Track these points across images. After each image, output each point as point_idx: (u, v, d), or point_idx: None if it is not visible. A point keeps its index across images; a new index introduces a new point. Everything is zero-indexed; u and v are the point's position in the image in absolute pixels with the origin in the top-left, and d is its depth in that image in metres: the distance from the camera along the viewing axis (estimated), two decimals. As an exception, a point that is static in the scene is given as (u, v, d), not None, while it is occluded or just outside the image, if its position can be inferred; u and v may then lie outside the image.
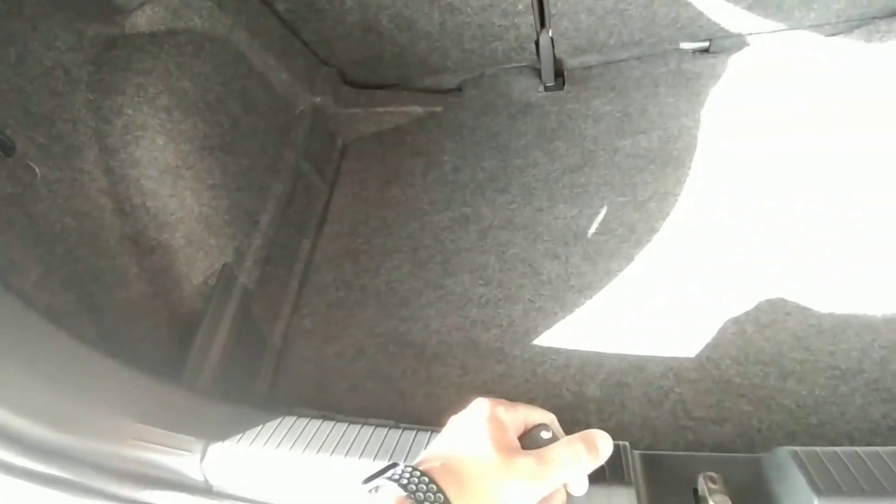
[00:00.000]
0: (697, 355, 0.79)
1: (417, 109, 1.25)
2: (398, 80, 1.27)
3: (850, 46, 1.02)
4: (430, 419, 0.57)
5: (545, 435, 0.43)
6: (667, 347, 0.81)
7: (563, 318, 0.89)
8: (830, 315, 0.77)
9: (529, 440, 0.42)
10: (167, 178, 0.80)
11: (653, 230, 0.93)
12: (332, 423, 0.63)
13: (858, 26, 1.03)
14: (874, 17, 1.02)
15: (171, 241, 0.81)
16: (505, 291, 0.95)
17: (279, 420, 0.64)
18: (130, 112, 0.79)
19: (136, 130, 0.79)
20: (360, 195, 1.18)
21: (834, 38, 1.04)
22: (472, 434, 0.40)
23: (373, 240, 1.09)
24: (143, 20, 0.83)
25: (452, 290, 0.98)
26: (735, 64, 1.09)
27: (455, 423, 0.43)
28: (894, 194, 0.84)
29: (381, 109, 1.24)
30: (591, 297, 0.90)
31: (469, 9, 1.05)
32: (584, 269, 0.93)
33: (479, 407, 0.42)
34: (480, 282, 0.97)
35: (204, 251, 0.84)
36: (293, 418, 0.64)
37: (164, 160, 0.80)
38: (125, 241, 0.79)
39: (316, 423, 0.63)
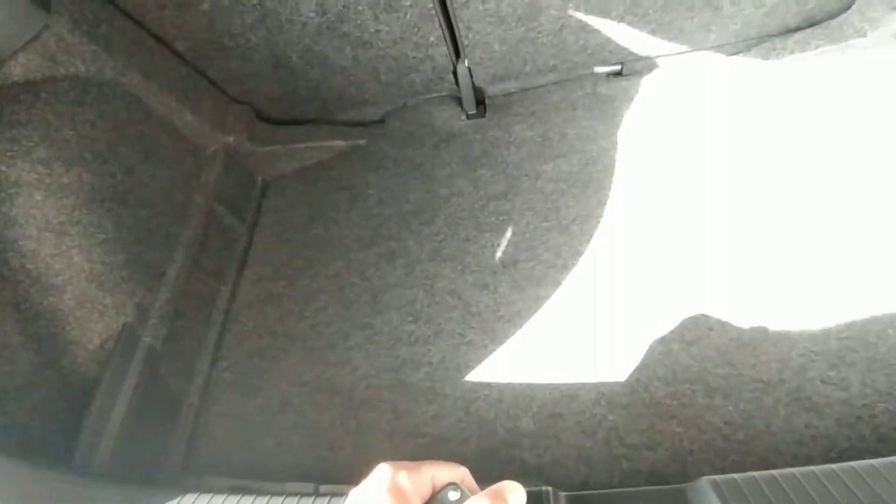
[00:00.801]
0: (627, 378, 0.79)
1: (340, 143, 1.21)
2: (317, 114, 1.23)
3: (749, 64, 1.07)
4: (359, 471, 0.53)
5: (453, 496, 0.39)
6: (597, 373, 0.80)
7: (494, 350, 0.87)
8: (750, 328, 0.78)
9: None
10: (49, 237, 0.73)
11: (578, 253, 0.93)
12: (238, 497, 0.57)
13: (756, 44, 1.08)
14: (769, 35, 1.07)
15: (58, 305, 0.74)
16: (434, 327, 0.92)
17: (180, 498, 0.58)
18: (3, 168, 0.72)
19: (9, 187, 0.71)
20: (283, 235, 1.13)
21: (734, 56, 1.09)
22: (371, 509, 0.36)
23: (296, 281, 1.04)
24: (17, 69, 0.76)
25: (380, 330, 0.94)
26: (647, 85, 1.12)
27: (354, 497, 0.39)
28: (802, 207, 0.87)
29: (301, 145, 1.20)
30: (520, 326, 0.88)
31: (380, 42, 1.03)
32: (512, 297, 0.91)
33: (379, 476, 0.39)
34: (409, 318, 0.94)
35: (98, 312, 0.77)
36: (195, 495, 0.58)
37: (43, 217, 0.73)
38: (6, 308, 0.71)
39: (220, 497, 0.57)
